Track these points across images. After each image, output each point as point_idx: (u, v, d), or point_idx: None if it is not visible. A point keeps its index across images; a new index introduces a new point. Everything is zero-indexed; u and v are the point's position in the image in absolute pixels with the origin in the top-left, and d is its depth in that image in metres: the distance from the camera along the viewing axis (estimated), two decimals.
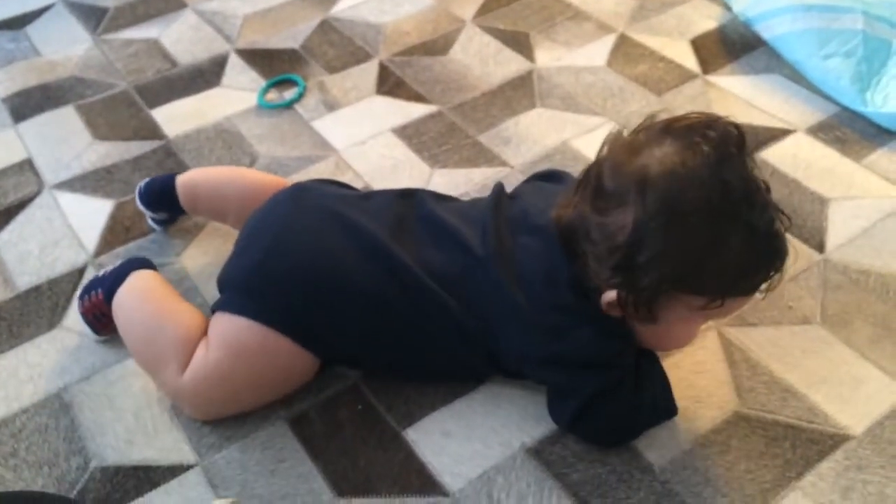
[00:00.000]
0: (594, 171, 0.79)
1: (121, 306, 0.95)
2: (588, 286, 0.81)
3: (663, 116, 0.79)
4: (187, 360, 0.89)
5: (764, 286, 0.79)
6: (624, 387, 0.84)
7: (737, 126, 0.76)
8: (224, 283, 0.95)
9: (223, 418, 0.91)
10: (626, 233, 0.74)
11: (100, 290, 0.97)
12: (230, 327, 0.89)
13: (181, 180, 1.08)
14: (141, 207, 1.12)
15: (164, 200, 1.09)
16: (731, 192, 0.73)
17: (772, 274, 0.78)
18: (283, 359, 0.89)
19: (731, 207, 0.73)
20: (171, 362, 0.89)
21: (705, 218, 0.73)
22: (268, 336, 0.88)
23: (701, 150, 0.73)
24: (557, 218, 0.83)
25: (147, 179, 1.12)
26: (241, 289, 0.91)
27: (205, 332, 0.91)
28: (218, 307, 0.92)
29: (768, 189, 0.77)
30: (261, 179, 1.08)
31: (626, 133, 0.80)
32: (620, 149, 0.78)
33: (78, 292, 1.02)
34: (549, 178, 1.01)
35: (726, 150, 0.74)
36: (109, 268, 1.00)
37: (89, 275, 1.08)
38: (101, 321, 0.98)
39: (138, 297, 0.95)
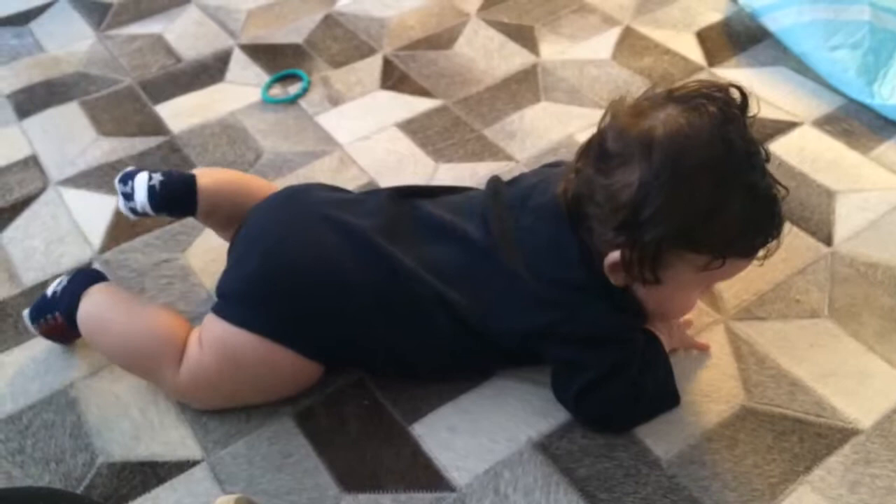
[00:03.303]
0: (597, 137, 0.81)
1: (90, 328, 0.92)
2: (594, 257, 0.81)
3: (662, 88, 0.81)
4: (178, 357, 0.88)
5: (761, 252, 0.81)
6: (630, 367, 0.85)
7: (740, 89, 0.78)
8: (223, 293, 0.92)
9: (230, 413, 0.91)
10: (632, 191, 0.76)
11: (57, 314, 0.94)
12: (228, 337, 0.87)
13: (203, 185, 0.97)
14: (136, 203, 0.96)
15: (180, 204, 0.97)
16: (734, 151, 0.75)
17: (769, 239, 0.80)
18: (286, 368, 0.89)
19: (734, 166, 0.76)
20: (162, 366, 0.89)
21: (709, 175, 0.75)
22: (270, 348, 0.87)
23: (706, 111, 0.76)
24: (563, 189, 0.84)
25: (159, 178, 0.96)
26: (241, 299, 0.89)
27: (185, 326, 0.91)
28: (217, 311, 0.90)
29: (768, 156, 0.79)
30: (268, 189, 1.02)
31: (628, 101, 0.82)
32: (624, 114, 0.79)
33: (26, 313, 0.97)
34: (556, 167, 1.00)
35: (730, 111, 0.76)
36: (58, 287, 0.96)
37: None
38: (67, 337, 0.97)
39: (104, 313, 0.92)
